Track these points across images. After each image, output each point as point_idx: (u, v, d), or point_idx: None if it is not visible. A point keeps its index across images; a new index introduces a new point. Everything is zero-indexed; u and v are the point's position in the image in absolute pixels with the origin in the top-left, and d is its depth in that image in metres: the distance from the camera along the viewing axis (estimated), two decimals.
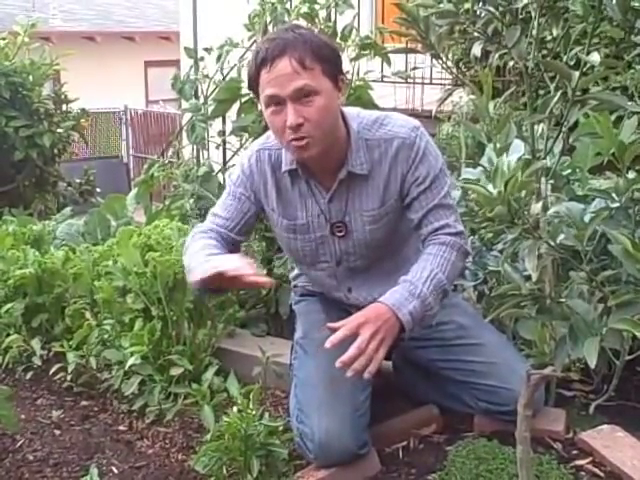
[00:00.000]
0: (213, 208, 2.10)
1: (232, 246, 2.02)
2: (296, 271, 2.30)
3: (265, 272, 2.69)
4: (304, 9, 3.08)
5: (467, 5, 1.39)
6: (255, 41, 3.22)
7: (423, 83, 5.64)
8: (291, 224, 2.04)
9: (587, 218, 1.51)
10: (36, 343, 2.59)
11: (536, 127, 1.42)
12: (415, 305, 1.77)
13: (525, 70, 1.36)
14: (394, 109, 5.22)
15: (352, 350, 1.67)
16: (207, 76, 3.35)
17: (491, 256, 2.32)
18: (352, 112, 1.99)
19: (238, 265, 1.69)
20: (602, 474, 1.87)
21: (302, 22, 3.08)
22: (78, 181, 5.45)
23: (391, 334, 1.74)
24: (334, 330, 1.71)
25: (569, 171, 2.17)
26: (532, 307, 1.35)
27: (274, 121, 1.83)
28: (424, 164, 1.92)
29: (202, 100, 3.34)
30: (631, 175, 1.84)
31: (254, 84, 1.85)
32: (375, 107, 3.18)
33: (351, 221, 2.00)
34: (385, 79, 4.85)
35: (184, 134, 3.54)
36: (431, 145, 1.95)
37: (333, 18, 3.23)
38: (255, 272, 1.69)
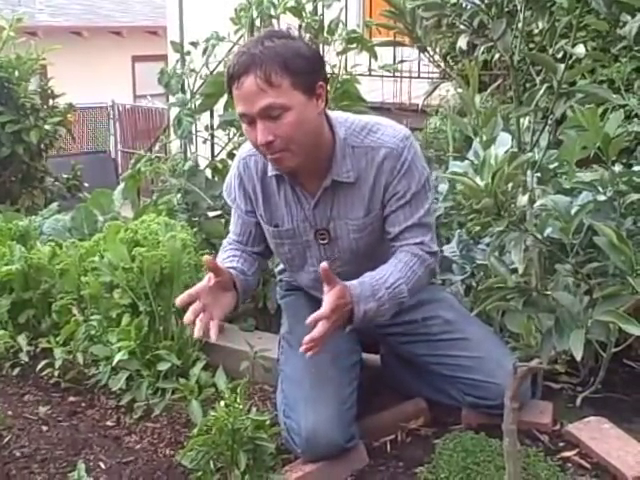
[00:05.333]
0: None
1: (253, 256, 2.07)
2: (281, 265, 2.29)
3: None
4: (290, 3, 3.06)
5: None
6: (242, 35, 3.21)
7: (411, 77, 5.65)
8: (276, 231, 2.03)
9: (573, 211, 1.51)
10: (23, 339, 2.57)
11: (522, 120, 1.41)
12: (372, 306, 1.79)
13: (511, 63, 1.36)
14: (382, 103, 5.23)
15: (308, 338, 1.68)
16: (194, 70, 3.32)
17: (478, 249, 2.32)
18: (341, 117, 1.95)
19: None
20: (588, 465, 1.88)
21: (289, 16, 3.07)
22: (65, 176, 5.42)
23: (340, 325, 1.77)
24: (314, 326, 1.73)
25: (556, 164, 2.17)
26: (518, 300, 1.35)
27: (250, 135, 1.81)
28: (407, 177, 1.89)
29: (189, 94, 3.32)
30: (617, 168, 1.84)
31: (230, 97, 1.83)
32: (362, 101, 3.18)
33: (335, 228, 1.98)
34: (373, 73, 4.86)
35: (172, 129, 3.52)
36: (418, 158, 1.91)
37: (320, 12, 3.23)
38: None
